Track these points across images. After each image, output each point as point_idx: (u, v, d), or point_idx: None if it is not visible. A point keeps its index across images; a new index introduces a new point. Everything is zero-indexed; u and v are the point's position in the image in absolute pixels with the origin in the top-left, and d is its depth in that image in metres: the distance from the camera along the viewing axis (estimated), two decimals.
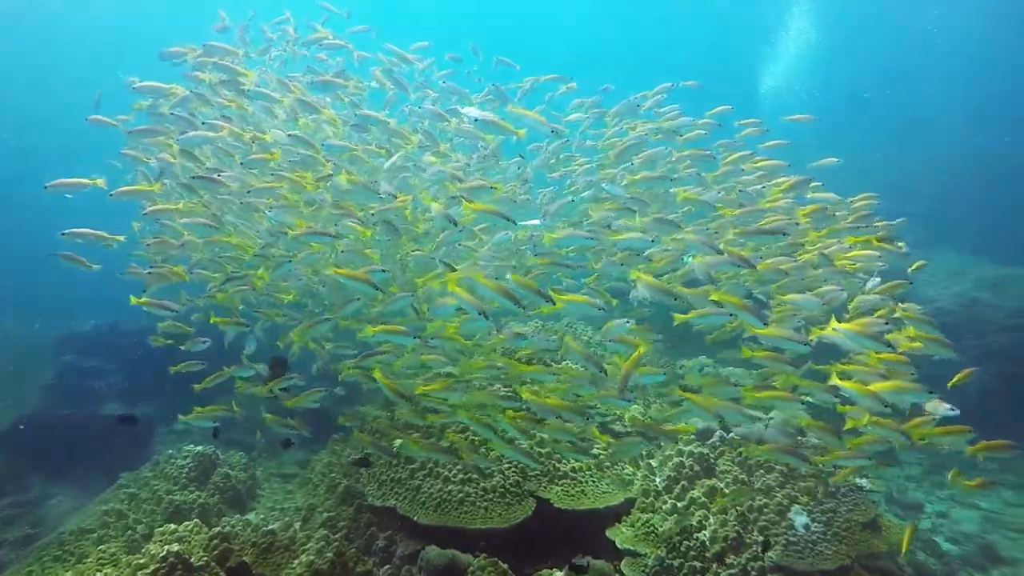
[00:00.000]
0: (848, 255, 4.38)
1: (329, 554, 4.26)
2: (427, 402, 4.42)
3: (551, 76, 6.95)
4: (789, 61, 21.73)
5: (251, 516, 6.18)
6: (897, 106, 24.47)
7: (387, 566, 4.71)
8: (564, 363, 5.67)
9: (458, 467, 5.01)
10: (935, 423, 3.54)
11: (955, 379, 3.88)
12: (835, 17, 22.57)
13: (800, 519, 4.38)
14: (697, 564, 4.19)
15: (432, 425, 5.03)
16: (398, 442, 5.35)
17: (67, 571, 4.88)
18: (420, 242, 5.22)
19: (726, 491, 4.67)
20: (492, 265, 4.59)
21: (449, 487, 4.91)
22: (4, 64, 29.47)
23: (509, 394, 4.51)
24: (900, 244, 4.39)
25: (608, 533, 4.63)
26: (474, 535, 4.67)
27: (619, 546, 4.47)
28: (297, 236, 4.41)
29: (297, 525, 5.44)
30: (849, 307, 4.22)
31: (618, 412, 5.60)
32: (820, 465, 3.80)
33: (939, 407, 3.48)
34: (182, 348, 4.97)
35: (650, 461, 5.21)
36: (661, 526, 4.52)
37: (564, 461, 5.08)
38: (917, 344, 3.76)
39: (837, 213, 4.83)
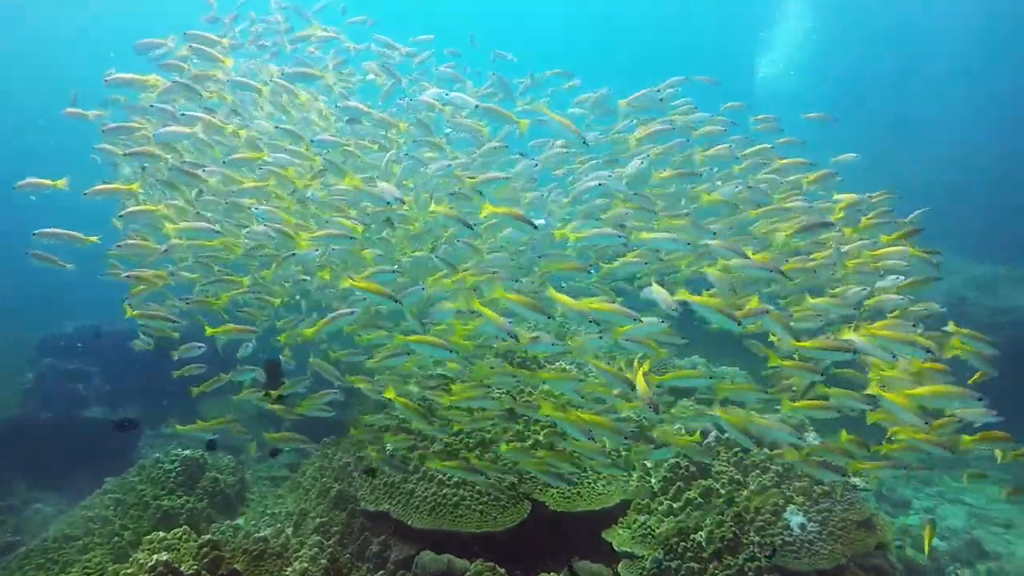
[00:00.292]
0: (875, 252, 4.16)
1: (323, 561, 4.20)
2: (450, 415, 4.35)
3: (556, 71, 6.85)
4: (785, 51, 21.52)
5: (241, 521, 6.08)
6: (894, 100, 24.42)
7: (381, 572, 4.66)
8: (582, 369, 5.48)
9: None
10: (968, 427, 3.36)
11: (974, 378, 3.65)
12: (831, 9, 22.35)
13: (796, 519, 4.39)
14: (695, 565, 4.19)
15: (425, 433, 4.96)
16: (390, 445, 5.29)
17: None
18: (420, 240, 5.07)
19: (722, 491, 4.68)
20: (501, 266, 4.37)
21: (444, 490, 4.86)
22: (4, 64, 29.13)
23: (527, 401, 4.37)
24: (936, 255, 4.15)
25: (604, 535, 4.62)
26: (469, 539, 4.63)
27: (616, 548, 4.46)
28: (316, 237, 4.24)
29: (289, 531, 5.36)
30: (867, 304, 4.00)
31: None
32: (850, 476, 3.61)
33: (977, 412, 3.24)
34: (173, 354, 4.83)
35: (645, 462, 5.20)
36: (658, 527, 4.51)
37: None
38: (958, 352, 3.49)
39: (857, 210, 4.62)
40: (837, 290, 4.06)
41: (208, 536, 4.38)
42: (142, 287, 4.58)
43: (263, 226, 4.45)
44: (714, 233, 4.13)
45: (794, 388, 4.09)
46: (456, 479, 4.86)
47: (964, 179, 14.08)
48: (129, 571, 3.90)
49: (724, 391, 4.08)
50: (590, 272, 4.70)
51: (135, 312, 4.53)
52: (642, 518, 4.66)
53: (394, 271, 4.23)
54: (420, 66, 6.81)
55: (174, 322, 4.54)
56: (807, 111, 6.19)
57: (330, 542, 4.85)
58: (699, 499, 4.65)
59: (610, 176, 4.58)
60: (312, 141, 5.17)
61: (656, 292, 3.49)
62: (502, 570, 4.20)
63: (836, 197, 4.68)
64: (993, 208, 13.47)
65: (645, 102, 5.12)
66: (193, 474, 6.48)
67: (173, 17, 5.72)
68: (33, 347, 10.63)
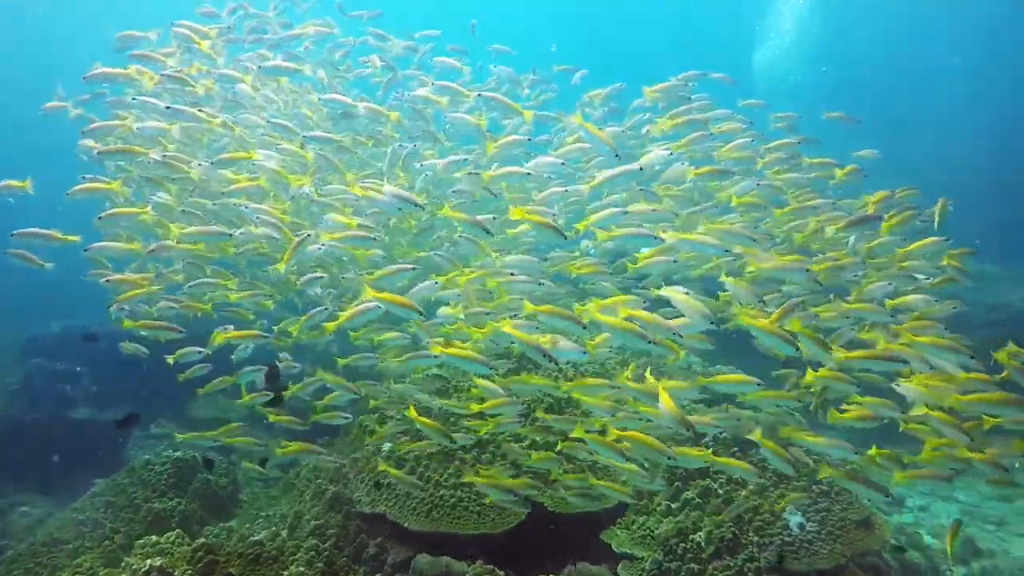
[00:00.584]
0: (905, 250, 4.16)
1: (320, 564, 4.14)
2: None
3: (563, 67, 6.81)
4: (784, 45, 21.33)
5: (234, 523, 6.00)
6: (895, 97, 24.38)
7: (379, 575, 4.61)
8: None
9: (449, 471, 4.92)
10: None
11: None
12: (833, 3, 22.26)
13: (795, 519, 4.39)
14: (694, 566, 4.18)
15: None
16: (387, 447, 5.23)
17: None
18: (419, 239, 5.00)
19: (720, 492, 4.66)
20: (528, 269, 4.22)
21: (441, 492, 4.82)
22: (4, 64, 28.79)
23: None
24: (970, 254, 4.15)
25: (603, 536, 4.59)
26: (467, 541, 4.59)
27: (615, 549, 4.44)
28: (335, 240, 4.14)
29: (284, 534, 5.30)
30: (888, 304, 3.92)
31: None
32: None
33: None
34: (169, 359, 4.74)
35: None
36: (657, 528, 4.49)
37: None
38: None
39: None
40: (864, 287, 4.01)
41: (202, 540, 4.30)
42: (129, 292, 4.51)
43: (257, 228, 4.38)
44: (755, 239, 3.89)
45: (813, 391, 3.92)
46: (454, 480, 4.82)
47: (964, 179, 14.15)
48: None
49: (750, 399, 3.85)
50: (610, 273, 4.55)
51: (134, 323, 4.46)
52: (641, 519, 4.64)
53: (413, 268, 4.14)
54: (421, 60, 6.75)
55: (176, 331, 4.45)
56: (806, 106, 6.20)
57: (326, 545, 4.79)
58: (697, 499, 4.64)
59: (669, 152, 4.45)
60: (304, 137, 5.10)
61: (684, 302, 3.28)
62: (501, 572, 4.17)
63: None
64: (993, 208, 13.55)
65: (669, 95, 5.07)
66: (184, 475, 6.38)
67: (173, 16, 5.62)
68: (20, 348, 10.47)
